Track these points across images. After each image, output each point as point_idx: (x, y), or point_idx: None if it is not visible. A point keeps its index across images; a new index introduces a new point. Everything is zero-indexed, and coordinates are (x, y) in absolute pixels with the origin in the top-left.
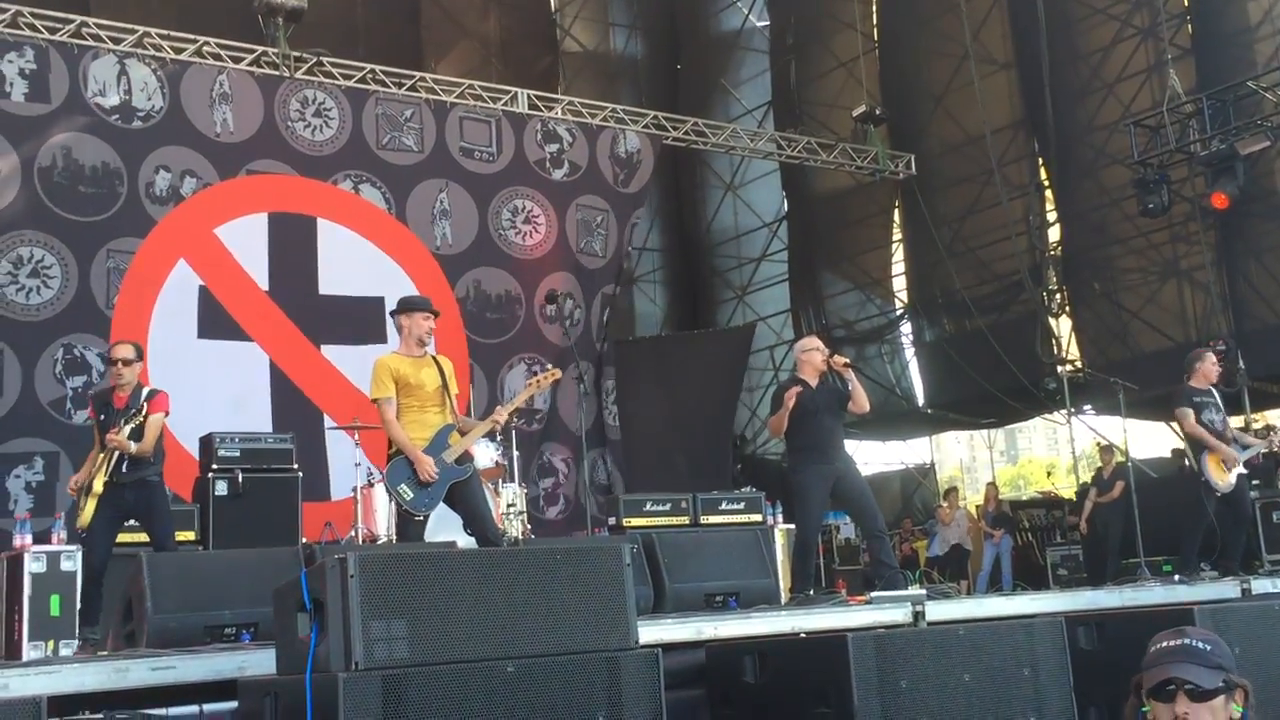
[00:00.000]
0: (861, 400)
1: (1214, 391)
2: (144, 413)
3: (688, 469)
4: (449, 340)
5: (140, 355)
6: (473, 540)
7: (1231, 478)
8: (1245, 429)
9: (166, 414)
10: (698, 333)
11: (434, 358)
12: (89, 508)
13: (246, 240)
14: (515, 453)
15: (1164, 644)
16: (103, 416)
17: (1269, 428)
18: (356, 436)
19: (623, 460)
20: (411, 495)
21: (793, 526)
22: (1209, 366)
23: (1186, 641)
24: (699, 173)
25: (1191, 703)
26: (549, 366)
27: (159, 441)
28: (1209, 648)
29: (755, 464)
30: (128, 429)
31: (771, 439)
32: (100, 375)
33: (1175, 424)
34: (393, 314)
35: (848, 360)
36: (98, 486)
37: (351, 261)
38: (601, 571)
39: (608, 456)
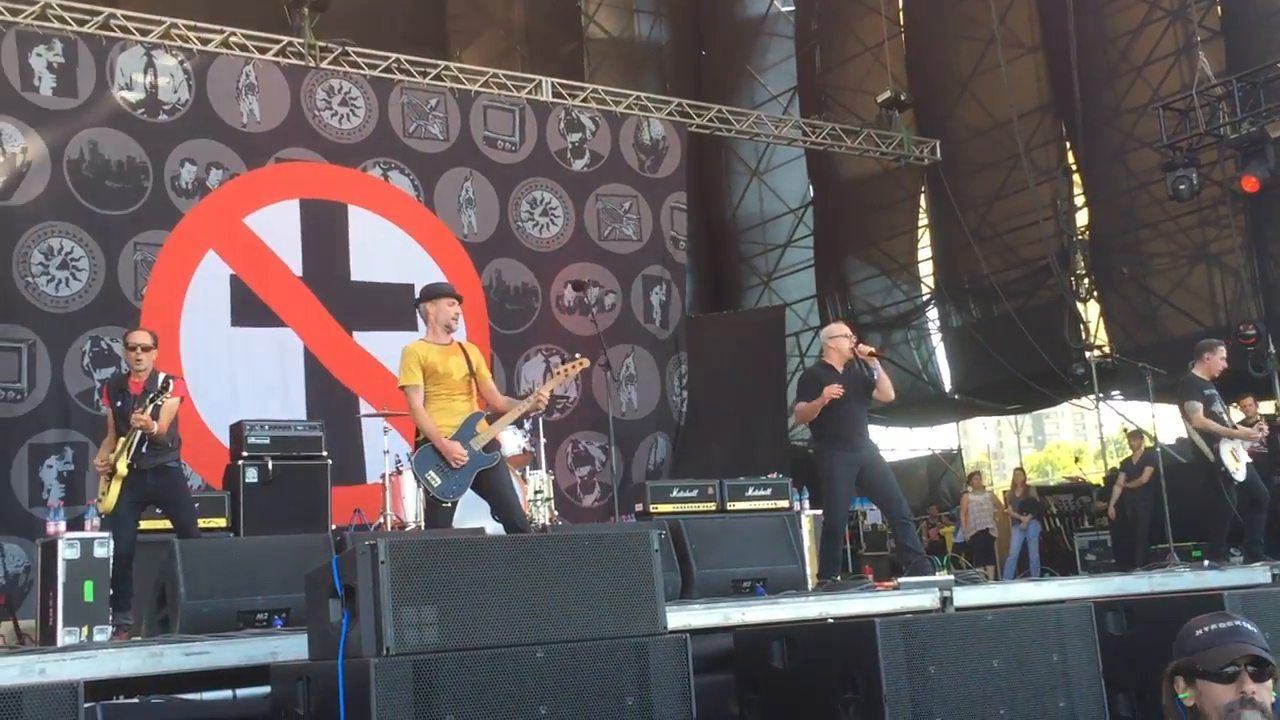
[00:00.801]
0: (887, 388)
1: (1213, 384)
2: (168, 391)
3: (722, 453)
4: (476, 328)
5: (157, 343)
6: (500, 527)
7: (1242, 465)
8: (1275, 414)
9: (181, 399)
10: (726, 313)
11: (461, 345)
12: (113, 492)
13: (278, 227)
14: (543, 440)
15: (1212, 626)
16: (119, 403)
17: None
18: (386, 423)
19: (678, 446)
20: (439, 482)
21: (820, 512)
22: (1217, 360)
23: (1238, 623)
24: (724, 159)
25: (1255, 683)
26: (576, 355)
27: (174, 426)
28: (1255, 630)
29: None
30: (151, 408)
31: (797, 425)
32: (127, 365)
33: (1184, 416)
34: (418, 303)
35: (874, 349)
36: (121, 469)
37: (382, 248)
38: (630, 557)
39: (660, 440)
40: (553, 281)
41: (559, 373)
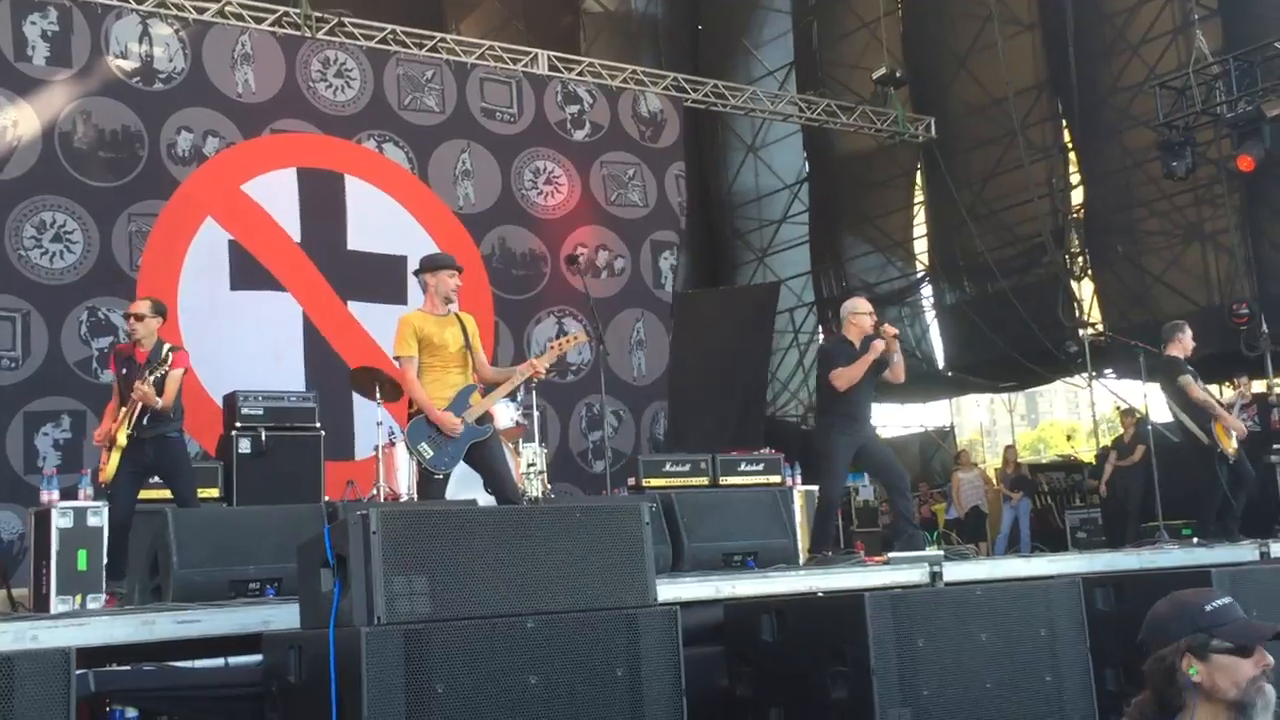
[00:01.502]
0: (900, 371)
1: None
2: (168, 363)
3: (715, 426)
4: (475, 297)
5: (158, 312)
6: (493, 499)
7: (1234, 444)
8: (1266, 392)
9: (186, 370)
10: (723, 289)
11: (458, 316)
12: (113, 462)
13: (277, 194)
14: (538, 411)
15: (1219, 602)
16: (124, 371)
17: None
18: (379, 395)
19: (670, 412)
20: (431, 454)
21: (813, 488)
22: (1188, 339)
23: (1233, 600)
24: (720, 134)
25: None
26: (570, 331)
27: (179, 398)
28: None
29: (774, 425)
30: (152, 378)
31: (789, 402)
32: (127, 335)
33: (1169, 395)
34: (417, 273)
35: (897, 331)
36: (121, 439)
37: (378, 219)
38: (621, 530)
39: (666, 409)
40: (560, 248)
41: (553, 347)
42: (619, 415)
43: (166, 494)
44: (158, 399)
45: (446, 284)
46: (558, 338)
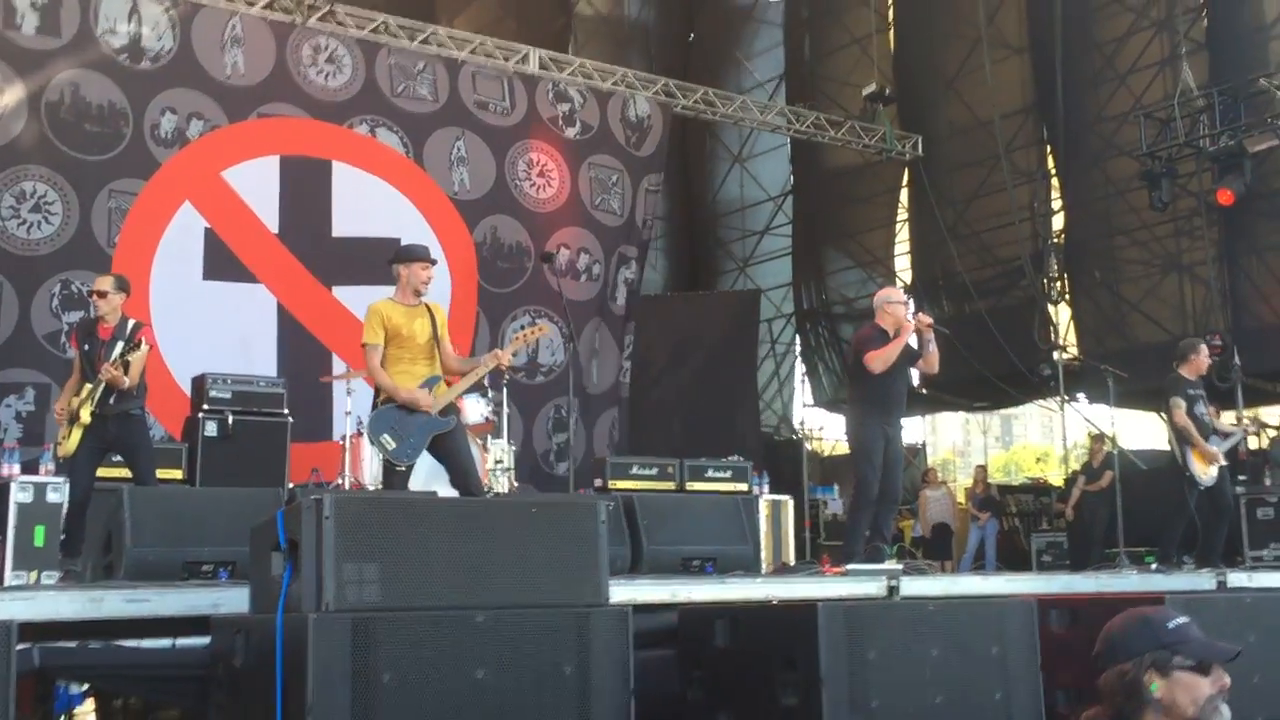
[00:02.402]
0: (934, 360)
1: (1202, 384)
2: (135, 340)
3: (682, 430)
4: (464, 283)
5: (121, 288)
6: (456, 493)
7: (1213, 470)
8: (1237, 423)
9: (150, 348)
10: (702, 293)
11: (428, 306)
12: (74, 437)
13: (256, 183)
14: (506, 409)
15: (1180, 621)
16: (86, 346)
17: (1258, 421)
18: (349, 385)
19: (625, 420)
20: (394, 445)
21: (779, 497)
22: (1202, 359)
23: (1191, 619)
24: (707, 143)
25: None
26: (537, 321)
27: (142, 375)
28: None
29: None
30: (116, 351)
31: (763, 412)
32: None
33: (1164, 414)
34: (390, 262)
35: (931, 320)
36: (85, 417)
37: (367, 203)
38: (576, 527)
39: (617, 415)
40: (546, 242)
41: (518, 337)
42: (578, 421)
43: (125, 473)
44: (125, 379)
45: (419, 276)
46: (520, 330)
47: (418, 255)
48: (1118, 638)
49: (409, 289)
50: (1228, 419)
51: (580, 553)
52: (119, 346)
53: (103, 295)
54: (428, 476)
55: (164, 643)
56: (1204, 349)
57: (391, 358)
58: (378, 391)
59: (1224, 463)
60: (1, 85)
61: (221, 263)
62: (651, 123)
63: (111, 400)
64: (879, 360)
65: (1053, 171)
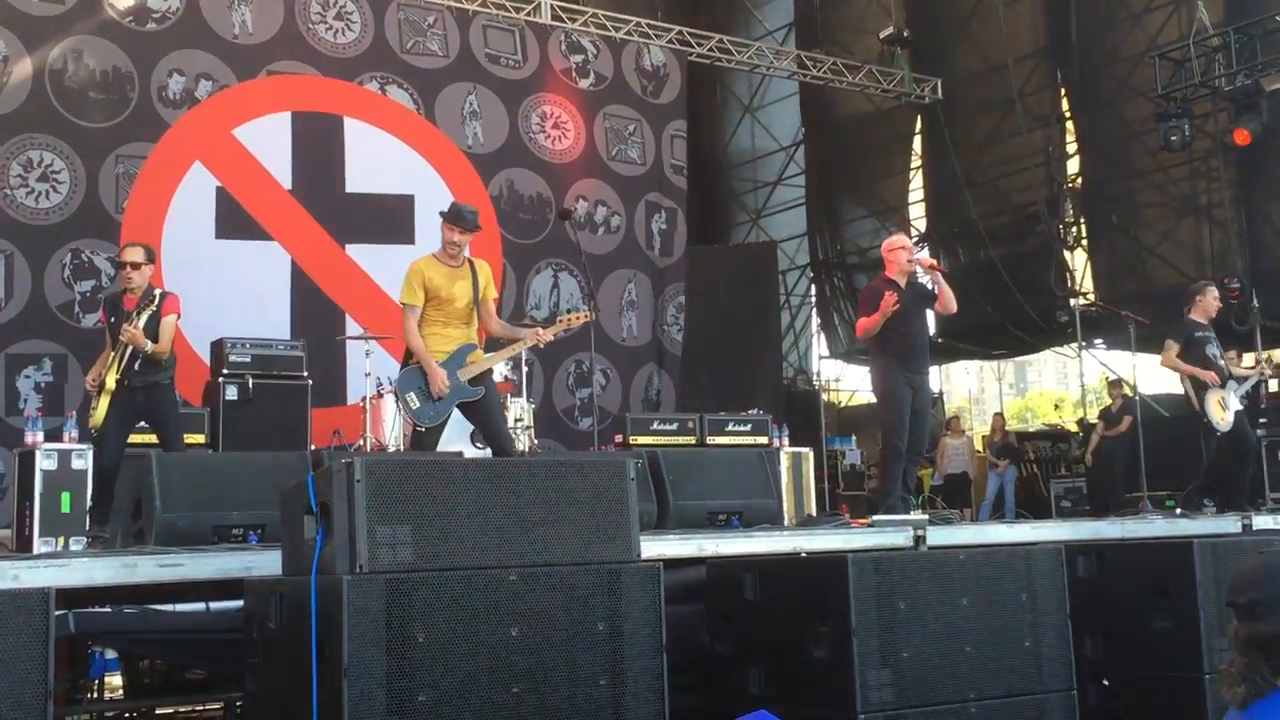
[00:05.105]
0: (949, 300)
1: (1212, 327)
2: (156, 304)
3: (710, 383)
4: (485, 237)
5: (151, 258)
6: (479, 453)
7: (1230, 415)
8: (1254, 366)
9: (179, 316)
10: (718, 247)
11: (472, 264)
12: (102, 406)
13: (268, 140)
14: (526, 367)
15: None
16: (113, 319)
17: (1258, 360)
18: (368, 346)
19: (674, 373)
20: (418, 405)
21: (800, 450)
22: (1210, 300)
23: None
24: (718, 93)
25: None
26: (583, 307)
27: (172, 345)
28: None
29: None
30: (143, 319)
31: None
32: (110, 279)
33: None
34: (441, 213)
35: (934, 261)
36: (110, 383)
37: (380, 160)
38: (606, 485)
39: (660, 372)
40: (565, 194)
41: (561, 320)
42: (606, 374)
43: (153, 439)
44: (146, 341)
45: (445, 235)
46: (565, 313)
47: (448, 215)
48: None
49: (448, 247)
50: (1248, 361)
51: (610, 510)
52: (146, 315)
53: (136, 267)
54: (452, 437)
55: (197, 606)
56: (1212, 290)
57: (427, 318)
58: (408, 348)
59: (1239, 406)
60: (7, 54)
61: (234, 221)
62: (668, 71)
63: (138, 368)
64: (861, 330)
65: (1067, 115)
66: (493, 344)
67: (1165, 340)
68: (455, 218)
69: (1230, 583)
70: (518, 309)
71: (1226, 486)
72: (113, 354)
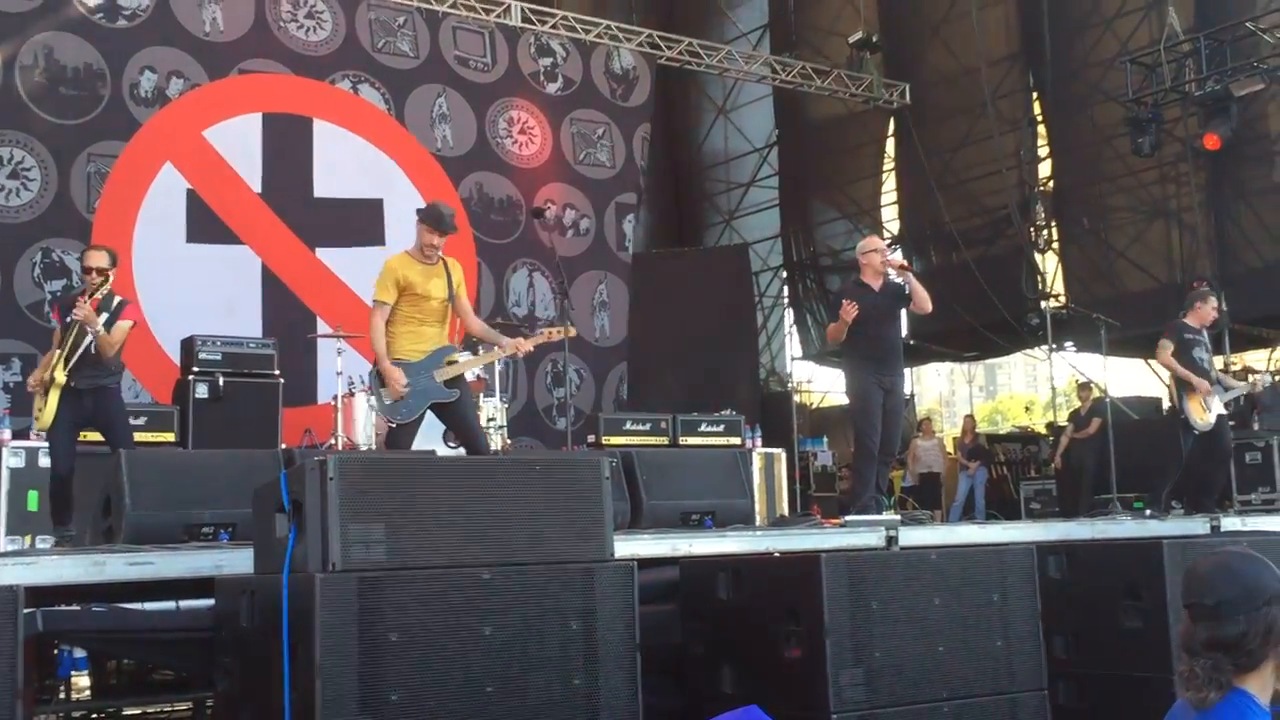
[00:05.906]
0: (923, 300)
1: (1204, 333)
2: (114, 310)
3: (678, 387)
4: (457, 239)
5: (115, 263)
6: (455, 453)
7: (1211, 417)
8: (1225, 371)
9: (135, 324)
10: (689, 250)
11: (445, 263)
12: (51, 403)
13: (239, 142)
14: (499, 366)
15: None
16: (68, 319)
17: (1247, 369)
18: (340, 345)
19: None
20: (389, 401)
21: (772, 450)
22: (1209, 310)
23: None
24: (690, 95)
25: None
26: (567, 323)
27: (119, 353)
28: None
29: None
30: (100, 320)
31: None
32: (80, 279)
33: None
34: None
35: (905, 263)
36: (59, 377)
37: (349, 163)
38: (580, 484)
39: (625, 369)
40: (534, 198)
41: (544, 334)
42: (580, 374)
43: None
44: (99, 321)
45: (423, 238)
46: (548, 326)
47: (426, 217)
48: (1241, 579)
49: (424, 246)
50: (1219, 370)
51: (585, 508)
52: (103, 318)
53: (103, 272)
54: (426, 437)
55: (167, 605)
56: (1212, 300)
57: (402, 316)
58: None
59: (1222, 411)
60: None
61: (205, 225)
62: (637, 74)
63: (86, 371)
64: (832, 336)
65: (1039, 119)
66: (471, 343)
67: (1160, 340)
68: (435, 221)
69: (1185, 584)
70: (498, 306)
71: (1197, 488)
72: (59, 351)
